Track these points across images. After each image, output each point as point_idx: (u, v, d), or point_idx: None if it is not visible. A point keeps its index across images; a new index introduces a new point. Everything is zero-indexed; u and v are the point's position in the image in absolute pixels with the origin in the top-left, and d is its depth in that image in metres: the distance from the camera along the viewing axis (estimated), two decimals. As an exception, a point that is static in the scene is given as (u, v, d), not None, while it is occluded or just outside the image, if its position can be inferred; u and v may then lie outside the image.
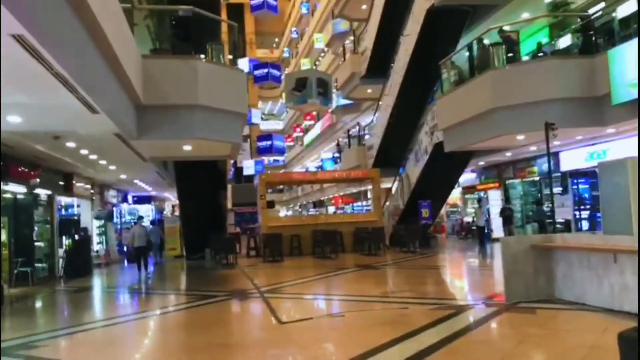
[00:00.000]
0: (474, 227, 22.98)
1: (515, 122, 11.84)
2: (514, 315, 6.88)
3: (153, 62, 9.81)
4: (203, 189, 16.81)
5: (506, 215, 19.17)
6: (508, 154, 18.25)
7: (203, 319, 7.97)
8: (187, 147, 12.02)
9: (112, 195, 23.56)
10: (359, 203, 37.73)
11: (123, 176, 18.33)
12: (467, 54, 14.15)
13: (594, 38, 11.92)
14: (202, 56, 10.69)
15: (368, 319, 7.21)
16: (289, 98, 17.40)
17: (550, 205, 18.83)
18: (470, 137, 13.42)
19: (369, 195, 34.25)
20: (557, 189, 18.47)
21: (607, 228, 7.04)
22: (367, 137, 24.04)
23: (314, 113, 40.43)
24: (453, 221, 25.25)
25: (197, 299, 9.92)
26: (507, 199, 21.24)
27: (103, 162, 14.32)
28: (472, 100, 12.93)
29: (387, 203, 21.18)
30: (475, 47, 13.41)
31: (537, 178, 19.37)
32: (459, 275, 12.83)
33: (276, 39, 60.10)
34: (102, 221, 21.10)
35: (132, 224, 28.94)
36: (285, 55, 54.11)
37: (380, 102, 21.88)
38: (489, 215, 21.64)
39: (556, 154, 17.78)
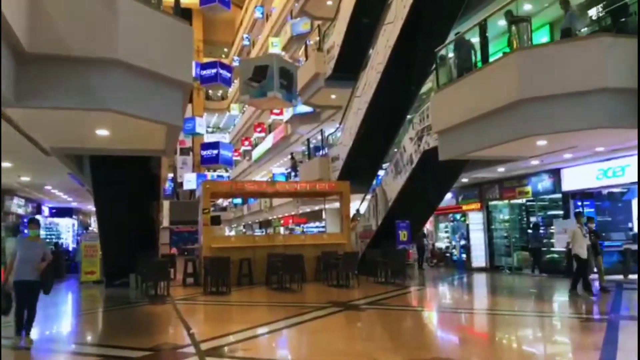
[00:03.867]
0: (448, 254, 20.30)
1: (551, 119, 8.98)
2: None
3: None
4: (129, 197, 13.03)
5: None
6: (501, 169, 15.56)
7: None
8: (103, 132, 8.40)
9: (17, 205, 19.15)
10: (312, 224, 34.47)
11: (25, 178, 14.24)
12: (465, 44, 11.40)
13: None
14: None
15: None
16: (244, 90, 14.01)
17: (545, 230, 16.40)
18: (479, 140, 10.47)
19: (324, 215, 31.30)
20: (556, 212, 15.94)
21: None
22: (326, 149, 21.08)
23: (265, 125, 37.19)
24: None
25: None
26: (489, 223, 18.57)
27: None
28: (486, 92, 10.03)
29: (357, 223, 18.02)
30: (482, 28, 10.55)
31: (530, 199, 16.75)
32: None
33: (225, 49, 56.97)
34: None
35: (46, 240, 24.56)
36: (235, 63, 50.64)
37: (347, 107, 18.88)
38: (467, 242, 18.93)
39: (557, 171, 15.26)
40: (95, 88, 6.56)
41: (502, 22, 10.67)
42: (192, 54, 7.88)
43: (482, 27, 10.60)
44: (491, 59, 10.46)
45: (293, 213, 35.03)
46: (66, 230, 27.69)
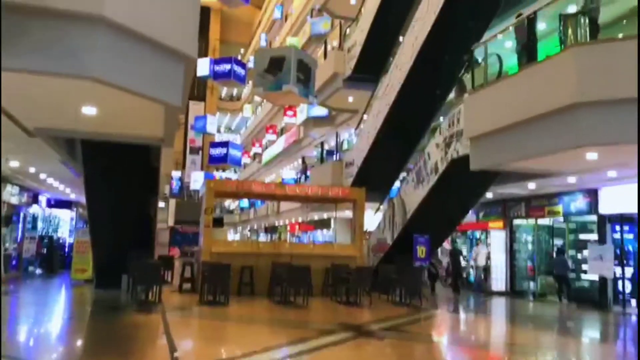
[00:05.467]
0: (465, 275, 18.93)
1: (611, 129, 7.68)
2: None
3: None
4: (124, 190, 11.85)
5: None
6: (532, 185, 14.22)
7: None
8: (90, 110, 7.22)
9: (10, 193, 18.04)
10: (320, 232, 33.20)
11: (14, 163, 13.10)
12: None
13: None
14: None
15: None
16: (259, 82, 12.75)
17: (572, 256, 15.05)
18: (521, 149, 9.19)
19: (332, 224, 30.00)
20: (589, 236, 14.56)
21: None
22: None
23: (277, 127, 36.06)
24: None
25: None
26: (512, 243, 17.20)
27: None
28: (533, 95, 8.76)
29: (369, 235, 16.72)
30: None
31: (560, 219, 15.38)
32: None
33: (242, 50, 56.14)
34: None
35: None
36: (251, 64, 49.68)
37: (365, 110, 17.66)
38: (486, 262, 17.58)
39: (594, 191, 13.90)
40: (77, 51, 5.39)
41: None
42: (197, 24, 6.69)
43: (531, 22, 9.34)
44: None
45: (301, 220, 33.78)
46: (66, 224, 26.65)
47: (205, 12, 48.04)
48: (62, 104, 7.19)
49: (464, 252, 19.21)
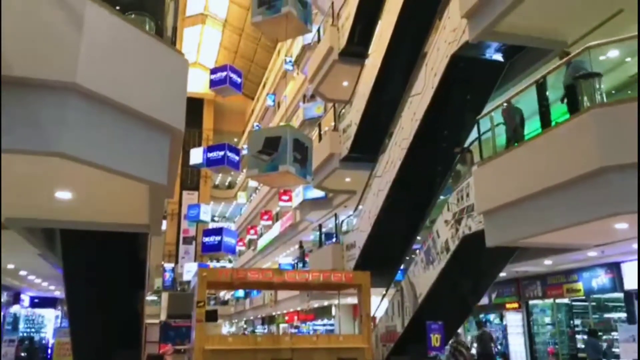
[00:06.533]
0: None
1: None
2: None
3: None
4: (108, 285, 10.75)
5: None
6: (548, 261, 13.29)
7: None
8: (64, 195, 6.42)
9: (-13, 293, 16.80)
10: (320, 321, 31.50)
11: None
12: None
13: None
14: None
15: None
16: (253, 164, 11.98)
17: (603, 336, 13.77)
18: (544, 221, 8.37)
19: (333, 312, 28.43)
20: (615, 315, 13.44)
21: None
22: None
23: (273, 212, 35.30)
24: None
25: None
26: (530, 325, 15.94)
27: None
28: (551, 162, 8.09)
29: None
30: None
31: (580, 298, 14.29)
32: None
33: (235, 139, 56.77)
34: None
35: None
36: (245, 152, 49.80)
37: (365, 189, 17.00)
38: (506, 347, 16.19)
39: (616, 265, 12.97)
40: (45, 123, 4.67)
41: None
42: (185, 93, 6.06)
43: (541, 87, 8.87)
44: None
45: (299, 309, 32.14)
46: (51, 323, 25.04)
47: (198, 103, 49.00)
48: (33, 189, 6.40)
49: (495, 335, 16.96)
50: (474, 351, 15.00)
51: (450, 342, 13.40)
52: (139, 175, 5.33)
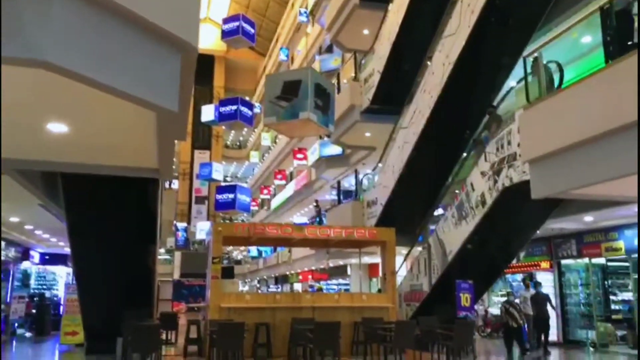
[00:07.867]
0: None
1: None
2: None
3: None
4: (116, 238, 9.98)
5: None
6: (588, 218, 12.31)
7: None
8: (58, 127, 5.49)
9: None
10: (335, 280, 31.02)
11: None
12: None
13: None
14: None
15: None
16: (271, 110, 10.96)
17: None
18: (602, 168, 7.31)
19: (349, 271, 27.82)
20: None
21: None
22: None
23: (287, 172, 34.40)
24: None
25: None
26: (561, 286, 15.08)
27: None
28: (617, 99, 6.98)
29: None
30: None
31: (622, 257, 13.32)
32: None
33: (247, 97, 55.41)
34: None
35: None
36: (257, 110, 48.58)
37: (388, 142, 15.97)
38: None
39: (663, 223, 11.91)
40: (27, 27, 3.69)
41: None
42: (199, 5, 5.03)
43: (606, 13, 7.67)
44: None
45: (314, 268, 31.63)
46: (63, 280, 24.67)
47: (209, 59, 47.59)
48: (23, 121, 5.48)
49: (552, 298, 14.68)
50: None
51: (502, 302, 12.43)
52: (143, 97, 4.36)
